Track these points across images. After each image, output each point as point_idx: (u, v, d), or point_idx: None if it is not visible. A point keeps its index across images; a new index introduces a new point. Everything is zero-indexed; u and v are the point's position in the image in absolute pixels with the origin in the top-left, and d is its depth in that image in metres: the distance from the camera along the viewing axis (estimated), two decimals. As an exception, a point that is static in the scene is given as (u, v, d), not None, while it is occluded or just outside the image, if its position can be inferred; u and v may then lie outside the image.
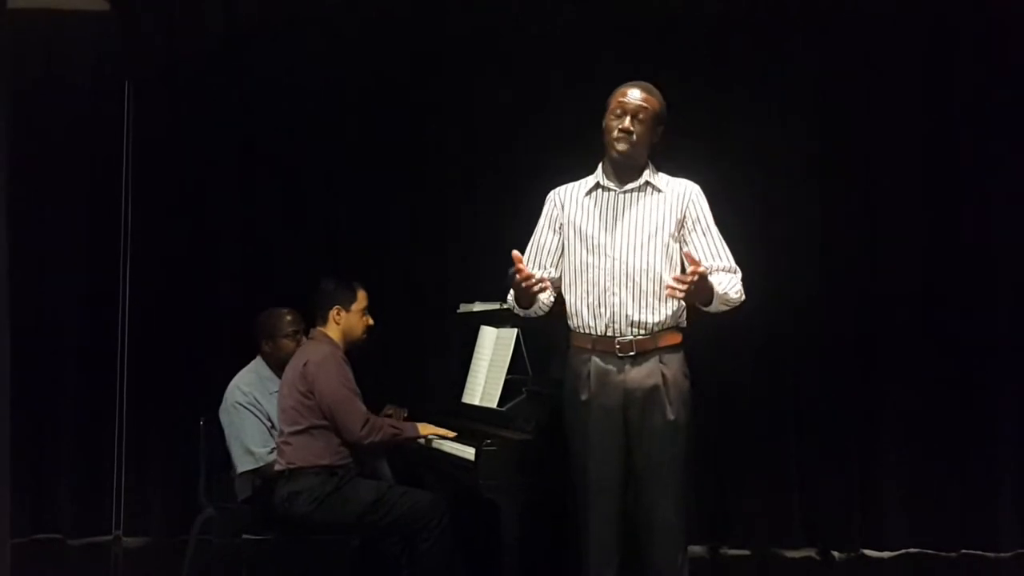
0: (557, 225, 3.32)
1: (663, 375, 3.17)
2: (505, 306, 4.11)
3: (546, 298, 3.31)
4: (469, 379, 4.23)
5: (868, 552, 4.98)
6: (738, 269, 3.28)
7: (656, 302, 3.18)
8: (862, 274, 5.08)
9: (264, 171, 5.24)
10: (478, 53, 5.22)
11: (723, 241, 3.28)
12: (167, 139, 5.16)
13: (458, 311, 4.53)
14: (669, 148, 3.43)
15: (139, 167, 4.63)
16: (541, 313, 3.36)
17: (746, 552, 5.04)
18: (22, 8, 4.75)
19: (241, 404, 4.24)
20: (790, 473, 5.05)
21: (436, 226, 5.24)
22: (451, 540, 3.80)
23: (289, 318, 4.40)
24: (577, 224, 3.26)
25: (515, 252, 3.12)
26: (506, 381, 3.94)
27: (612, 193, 3.26)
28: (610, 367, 3.18)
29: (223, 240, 5.23)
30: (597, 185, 3.29)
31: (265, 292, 4.94)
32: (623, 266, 3.18)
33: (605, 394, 3.17)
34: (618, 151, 3.21)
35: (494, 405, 3.95)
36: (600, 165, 3.33)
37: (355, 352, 4.13)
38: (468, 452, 3.63)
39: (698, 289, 3.03)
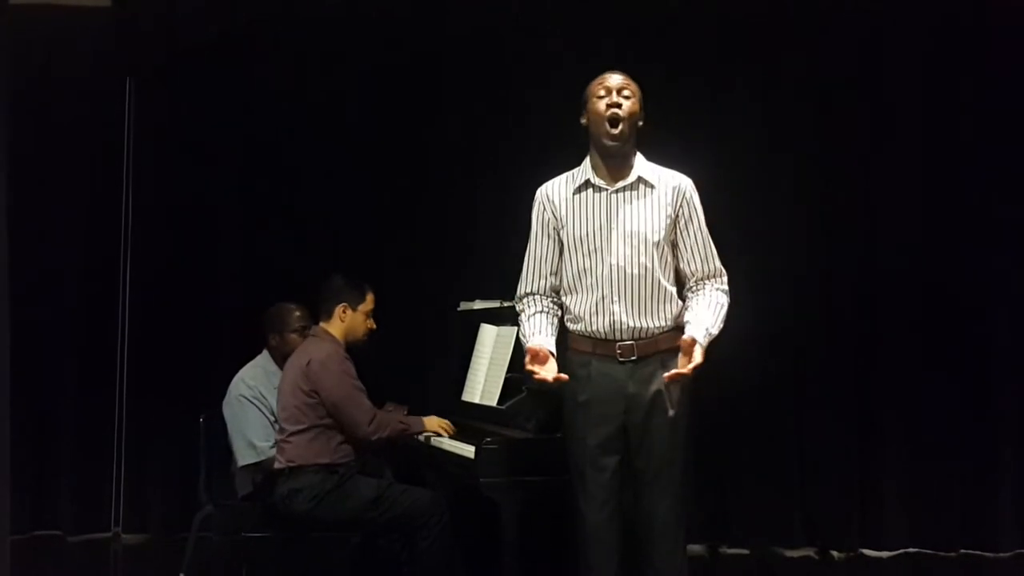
0: (551, 229, 3.26)
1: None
2: (506, 304, 4.14)
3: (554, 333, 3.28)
4: (469, 377, 4.23)
5: (867, 552, 4.98)
6: (723, 271, 3.24)
7: (655, 306, 3.16)
8: (862, 273, 5.08)
9: (265, 168, 5.24)
10: (479, 52, 5.22)
11: (711, 242, 3.24)
12: (168, 135, 5.16)
13: (458, 309, 4.52)
14: (666, 146, 3.43)
15: (140, 163, 4.63)
16: None
17: (745, 551, 5.04)
18: (23, 4, 4.75)
19: (245, 397, 4.25)
20: (789, 473, 5.05)
21: (437, 224, 5.23)
22: (451, 538, 3.80)
23: (298, 313, 4.41)
24: (571, 227, 3.21)
25: (532, 347, 3.09)
26: (506, 379, 3.94)
27: (604, 193, 3.20)
28: (611, 371, 3.15)
29: (223, 237, 5.24)
30: (587, 183, 3.22)
31: (265, 289, 4.94)
32: (620, 273, 3.14)
33: (605, 397, 3.15)
34: (612, 130, 3.14)
35: (494, 403, 3.95)
36: (587, 160, 3.26)
37: (355, 351, 4.13)
38: (468, 450, 3.63)
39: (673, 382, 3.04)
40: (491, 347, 4.13)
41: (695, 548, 4.91)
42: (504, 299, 4.16)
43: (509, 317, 4.00)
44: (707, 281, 3.22)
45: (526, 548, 3.50)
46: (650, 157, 3.31)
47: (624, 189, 3.20)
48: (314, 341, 4.07)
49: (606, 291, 3.15)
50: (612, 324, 3.14)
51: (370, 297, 4.13)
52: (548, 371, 3.08)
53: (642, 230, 3.16)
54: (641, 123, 3.23)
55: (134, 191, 4.62)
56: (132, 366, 4.58)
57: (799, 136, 5.10)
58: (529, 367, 3.08)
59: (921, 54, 5.08)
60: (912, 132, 5.07)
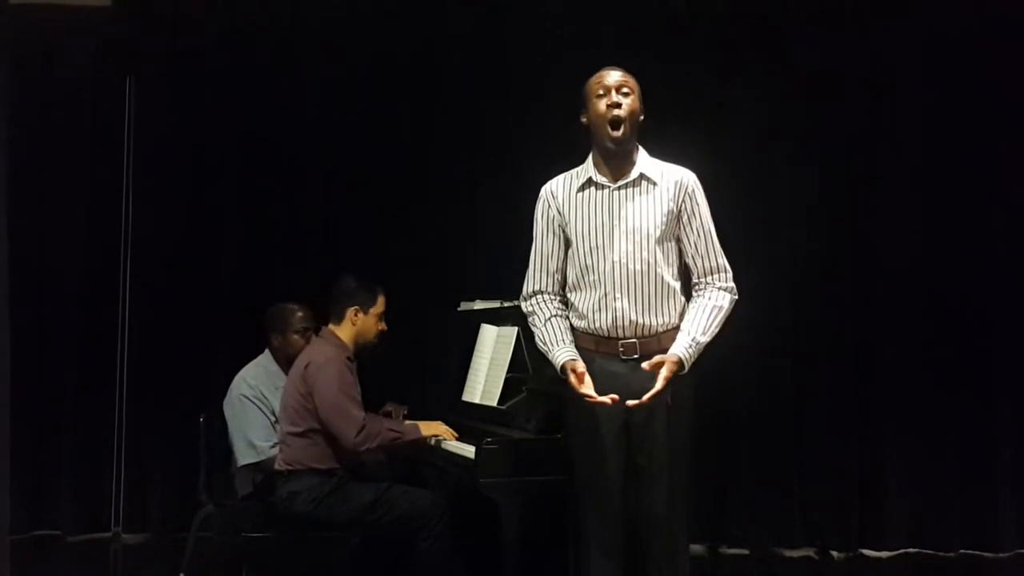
0: (555, 226, 3.25)
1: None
2: (506, 304, 4.13)
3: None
4: (469, 377, 4.23)
5: (867, 552, 4.99)
6: (727, 267, 3.21)
7: (658, 304, 3.14)
8: (862, 274, 5.09)
9: (265, 167, 5.24)
10: (481, 50, 5.22)
11: (715, 238, 3.21)
12: (169, 134, 5.16)
13: (458, 309, 4.52)
14: (669, 143, 3.43)
15: (140, 162, 4.63)
16: None
17: (745, 551, 5.04)
18: (24, 3, 4.75)
19: (246, 397, 4.23)
20: (789, 473, 5.06)
21: (437, 224, 5.23)
22: (451, 539, 3.79)
23: (300, 314, 4.38)
24: (574, 225, 3.20)
25: (579, 368, 3.08)
26: (506, 379, 3.93)
27: (606, 190, 3.19)
28: (614, 369, 3.14)
29: (224, 236, 5.23)
30: (590, 181, 3.21)
31: (265, 289, 4.95)
32: (623, 269, 3.13)
33: (608, 395, 3.12)
34: (614, 132, 3.12)
35: (494, 403, 3.95)
36: (590, 158, 3.24)
37: (360, 352, 4.09)
38: (468, 450, 3.62)
39: (674, 376, 3.01)
40: (491, 347, 4.12)
41: (695, 548, 4.90)
42: (504, 299, 4.16)
43: (509, 317, 4.01)
44: (710, 278, 3.20)
45: (526, 548, 3.49)
46: (651, 151, 3.29)
47: (626, 186, 3.19)
48: (319, 343, 4.05)
49: (609, 288, 3.14)
50: (615, 321, 3.14)
51: (381, 299, 4.07)
52: (590, 388, 3.07)
53: (644, 226, 3.15)
54: (642, 117, 3.21)
55: (134, 190, 4.62)
56: (132, 366, 4.59)
57: (801, 134, 5.11)
58: (586, 392, 3.04)
59: (923, 51, 5.08)
60: (914, 132, 5.07)
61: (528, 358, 3.83)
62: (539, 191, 3.34)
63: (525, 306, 3.32)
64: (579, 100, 3.24)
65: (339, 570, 4.24)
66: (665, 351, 3.11)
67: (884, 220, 5.09)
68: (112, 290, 4.64)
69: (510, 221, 4.84)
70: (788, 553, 5.02)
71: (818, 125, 5.12)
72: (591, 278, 3.17)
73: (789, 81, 5.12)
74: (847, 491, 5.02)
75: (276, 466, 3.95)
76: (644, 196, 3.18)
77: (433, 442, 3.94)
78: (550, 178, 3.36)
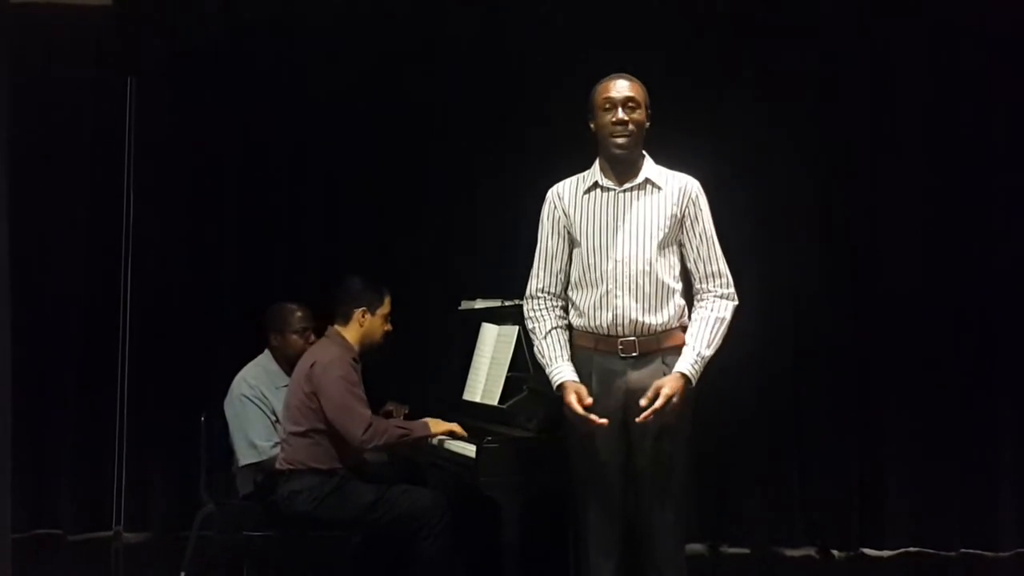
0: (561, 227, 3.28)
1: (665, 376, 3.13)
2: (507, 303, 4.13)
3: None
4: (470, 376, 4.23)
5: (868, 551, 4.99)
6: (727, 274, 3.23)
7: (658, 304, 3.16)
8: (862, 274, 5.09)
9: (267, 167, 5.24)
10: (484, 51, 5.22)
11: (717, 245, 3.24)
12: (169, 134, 5.16)
13: (459, 308, 4.52)
14: (669, 148, 3.43)
15: (141, 162, 4.63)
16: None
17: (746, 550, 5.04)
18: (25, 3, 4.76)
19: (247, 397, 4.22)
20: (790, 472, 5.06)
21: (438, 223, 5.24)
22: (451, 538, 3.78)
23: (299, 314, 4.37)
24: (579, 225, 3.23)
25: (579, 390, 3.12)
26: (507, 378, 3.93)
27: (612, 193, 3.22)
28: (612, 367, 3.16)
29: (225, 236, 5.23)
30: (596, 184, 3.25)
31: (266, 289, 4.95)
32: (624, 268, 3.15)
33: (607, 394, 3.15)
34: (618, 146, 3.17)
35: (495, 403, 3.94)
36: (596, 163, 3.28)
37: (366, 353, 4.08)
38: (469, 450, 3.62)
39: (676, 399, 3.04)
40: (492, 346, 4.12)
41: (696, 547, 4.92)
42: (505, 298, 4.16)
43: (510, 316, 4.00)
44: (710, 283, 3.22)
45: (527, 547, 3.49)
46: (655, 155, 3.31)
47: (632, 189, 3.22)
48: (325, 343, 4.04)
49: (610, 286, 3.16)
50: (615, 319, 3.15)
51: (388, 300, 4.06)
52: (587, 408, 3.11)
53: (647, 228, 3.18)
54: (648, 124, 3.25)
55: (135, 190, 4.63)
56: (133, 365, 4.60)
57: (802, 138, 5.11)
58: (586, 417, 3.08)
59: (925, 53, 5.08)
60: (915, 134, 5.07)
61: (529, 357, 3.83)
62: (540, 190, 3.37)
63: (527, 308, 3.33)
64: (586, 105, 3.27)
65: (340, 569, 4.24)
66: (664, 350, 3.15)
67: (884, 221, 5.09)
68: (113, 289, 4.64)
69: (511, 220, 4.88)
70: (789, 552, 5.02)
71: (819, 128, 5.12)
72: (593, 277, 3.19)
73: (791, 84, 5.12)
74: (848, 490, 5.02)
75: (277, 465, 3.95)
76: (649, 199, 3.21)
77: (436, 441, 3.94)
78: (551, 177, 3.39)
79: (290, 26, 5.22)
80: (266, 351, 4.41)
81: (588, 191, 3.26)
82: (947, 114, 5.05)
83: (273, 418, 4.20)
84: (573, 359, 3.23)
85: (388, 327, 4.10)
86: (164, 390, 5.08)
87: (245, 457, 4.17)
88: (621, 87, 3.20)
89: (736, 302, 3.22)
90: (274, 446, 4.10)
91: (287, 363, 4.27)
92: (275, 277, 5.15)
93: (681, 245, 3.23)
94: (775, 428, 5.04)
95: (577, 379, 3.16)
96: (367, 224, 5.20)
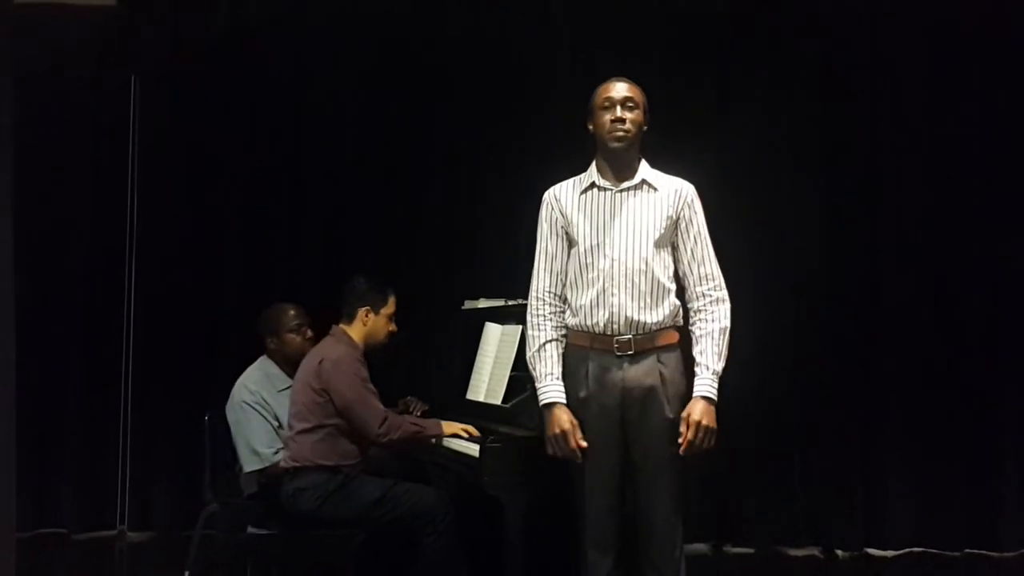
0: (559, 228, 3.31)
1: (661, 374, 3.18)
2: (510, 303, 4.14)
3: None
4: (474, 376, 4.23)
5: (872, 551, 4.99)
6: (720, 277, 3.27)
7: (653, 302, 3.20)
8: (866, 274, 5.08)
9: (269, 166, 5.25)
10: (485, 51, 5.22)
11: (711, 248, 3.29)
12: (173, 134, 5.17)
13: (463, 308, 4.52)
14: (667, 148, 3.44)
15: (145, 162, 4.63)
16: None
17: (750, 550, 5.04)
18: (28, 3, 4.76)
19: (248, 403, 4.20)
20: (794, 472, 5.05)
21: (441, 223, 5.24)
22: (455, 537, 3.79)
23: (292, 312, 4.36)
24: (576, 225, 3.27)
25: (574, 418, 3.19)
26: (510, 378, 3.93)
27: (608, 192, 3.27)
28: (608, 366, 3.19)
29: (229, 235, 5.24)
30: (593, 184, 3.29)
31: (270, 287, 4.96)
32: (621, 267, 3.19)
33: (603, 392, 3.19)
34: (616, 143, 3.21)
35: (498, 402, 3.95)
36: (593, 164, 3.32)
37: (370, 352, 4.09)
38: (472, 449, 3.63)
39: (706, 421, 3.13)
40: (496, 346, 4.13)
41: (699, 547, 4.92)
42: (508, 298, 4.17)
43: (514, 315, 4.01)
44: (704, 286, 3.25)
45: (530, 546, 3.49)
46: (655, 156, 3.34)
47: (628, 189, 3.27)
48: (331, 341, 4.05)
49: (607, 284, 3.20)
50: (611, 317, 3.19)
51: (392, 300, 4.09)
52: (578, 434, 3.19)
53: (643, 227, 3.22)
54: (646, 127, 3.29)
55: (139, 189, 4.63)
56: (137, 364, 4.59)
57: (802, 139, 5.11)
58: (573, 452, 3.17)
59: (926, 54, 5.07)
60: (917, 132, 5.07)
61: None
62: (544, 190, 3.40)
63: (529, 310, 3.35)
64: (586, 107, 3.31)
65: (343, 568, 4.24)
66: (659, 348, 3.20)
67: (886, 221, 5.08)
68: (117, 289, 4.64)
69: (514, 220, 4.87)
70: (793, 552, 5.02)
71: (820, 127, 5.12)
72: (589, 275, 3.23)
73: (792, 81, 5.12)
74: (852, 490, 5.02)
75: (282, 463, 3.96)
76: (645, 199, 3.26)
77: (440, 440, 3.95)
78: (554, 176, 3.42)
79: (293, 25, 5.22)
80: (264, 355, 4.39)
81: (585, 191, 3.30)
82: (949, 113, 5.05)
83: (275, 423, 4.19)
84: (569, 359, 3.27)
85: (392, 327, 4.12)
86: (168, 389, 5.09)
87: (248, 464, 4.16)
88: (620, 88, 3.26)
89: (729, 303, 3.26)
90: (276, 452, 4.09)
91: (286, 364, 4.27)
92: (279, 275, 5.15)
93: (675, 247, 3.28)
94: (778, 428, 5.04)
95: (565, 400, 3.21)
96: (371, 223, 5.20)
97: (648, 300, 3.19)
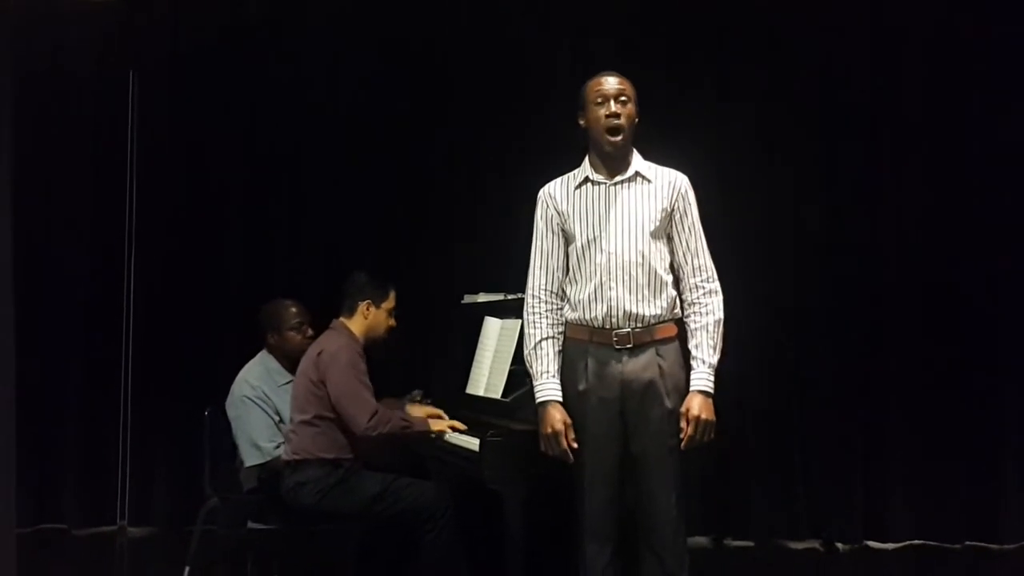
0: (555, 225, 3.32)
1: (659, 367, 3.19)
2: (509, 297, 4.13)
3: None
4: (473, 370, 4.23)
5: (872, 543, 4.99)
6: (712, 269, 3.27)
7: (651, 295, 3.21)
8: (866, 268, 5.08)
9: (269, 162, 5.25)
10: (483, 47, 5.22)
11: (703, 240, 3.29)
12: (172, 130, 5.16)
13: (462, 302, 4.52)
14: (664, 142, 3.44)
15: (144, 158, 4.62)
16: None
17: (750, 543, 5.05)
18: (27, -1, 4.75)
19: (249, 398, 4.21)
20: (794, 464, 5.05)
21: (441, 217, 5.24)
22: (455, 531, 3.80)
23: (294, 309, 4.36)
24: (572, 220, 3.27)
25: (567, 419, 3.21)
26: (510, 372, 3.93)
27: (602, 186, 3.27)
28: (607, 359, 3.20)
29: (228, 231, 5.24)
30: (586, 179, 3.29)
31: (270, 282, 4.96)
32: (618, 260, 3.20)
33: (602, 385, 3.19)
34: (613, 134, 3.21)
35: (498, 396, 3.95)
36: (587, 159, 3.33)
37: (370, 346, 4.09)
38: (472, 443, 3.63)
39: (704, 415, 3.14)
40: (495, 340, 4.13)
41: (700, 540, 4.93)
42: (508, 292, 4.17)
43: (513, 310, 4.00)
44: (698, 278, 3.26)
45: (530, 540, 3.50)
46: (649, 148, 3.34)
47: (622, 182, 3.27)
48: (331, 334, 4.05)
49: (604, 278, 3.20)
50: (609, 310, 3.19)
51: (393, 295, 4.11)
52: (570, 432, 3.21)
53: (638, 219, 3.22)
54: (637, 120, 3.29)
55: (138, 185, 4.62)
56: (137, 359, 4.58)
57: (800, 136, 5.11)
58: (565, 450, 3.18)
59: (925, 53, 5.06)
60: (915, 132, 5.06)
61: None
62: (541, 185, 3.40)
63: (526, 308, 3.36)
64: (577, 102, 3.31)
65: (344, 563, 4.24)
66: (658, 341, 3.21)
67: (887, 215, 5.08)
68: (117, 284, 4.63)
69: (514, 215, 4.86)
70: (793, 545, 5.03)
71: (819, 125, 5.11)
72: (587, 269, 3.23)
73: (791, 73, 5.12)
74: (852, 483, 5.02)
75: (283, 456, 3.96)
76: (639, 191, 3.27)
77: (439, 435, 3.95)
78: (552, 171, 3.42)
79: (292, 22, 5.22)
80: (264, 350, 4.39)
81: (579, 186, 3.31)
82: (951, 111, 5.03)
83: (276, 418, 4.19)
84: (569, 353, 3.28)
85: (392, 322, 4.13)
86: (168, 384, 5.09)
87: (249, 458, 4.17)
88: (612, 82, 3.26)
89: (721, 296, 3.27)
90: (277, 447, 4.10)
91: (287, 360, 4.28)
92: (279, 271, 5.16)
93: (670, 239, 3.28)
94: (779, 420, 5.04)
95: (560, 398, 3.23)
96: (371, 217, 5.20)
97: (646, 293, 3.20)
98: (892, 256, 5.05)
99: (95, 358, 5.08)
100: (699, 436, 3.15)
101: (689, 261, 3.27)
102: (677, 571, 3.19)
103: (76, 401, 5.19)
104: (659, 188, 3.26)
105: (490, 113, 5.19)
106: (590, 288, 3.21)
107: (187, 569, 4.22)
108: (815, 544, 5.02)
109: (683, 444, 3.15)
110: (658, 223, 3.22)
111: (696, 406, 3.14)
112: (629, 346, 3.18)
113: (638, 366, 3.18)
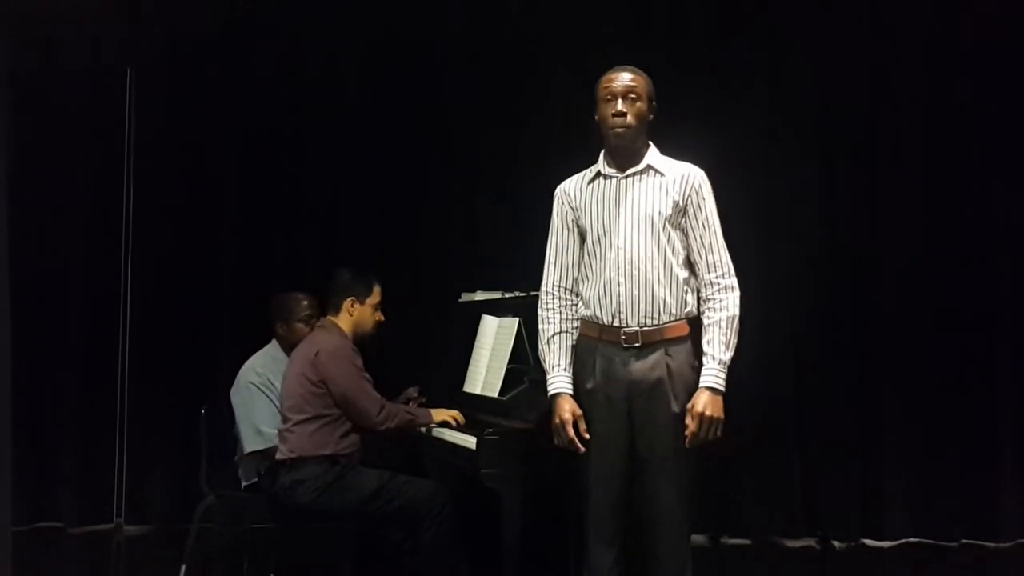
0: (570, 222, 3.31)
1: (668, 367, 3.15)
2: (507, 295, 4.13)
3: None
4: (470, 368, 4.23)
5: (868, 542, 4.99)
6: (728, 265, 3.22)
7: (661, 291, 3.17)
8: (864, 267, 5.08)
9: (267, 157, 5.24)
10: (484, 44, 5.21)
11: (719, 235, 3.24)
12: (169, 124, 5.15)
13: (459, 300, 4.52)
14: (673, 138, 3.43)
15: (141, 152, 4.61)
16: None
17: (747, 541, 5.05)
18: (23, -6, 4.73)
19: (255, 385, 4.25)
20: (791, 462, 5.06)
21: (439, 215, 5.23)
22: (452, 529, 3.80)
23: (305, 303, 4.40)
24: (585, 215, 3.26)
25: (576, 411, 3.20)
26: (507, 370, 3.94)
27: (614, 180, 3.25)
28: (615, 358, 3.17)
29: (224, 227, 5.23)
30: (599, 174, 3.28)
31: (267, 280, 4.94)
32: (628, 255, 3.17)
33: (610, 384, 3.17)
34: (617, 136, 3.20)
35: (495, 394, 3.95)
36: (601, 154, 3.32)
37: (360, 343, 4.11)
38: (470, 441, 3.63)
39: (710, 412, 3.10)
40: (492, 338, 4.13)
41: (696, 538, 4.89)
42: (505, 291, 4.16)
43: (510, 308, 4.01)
44: (714, 274, 3.21)
45: (527, 539, 3.50)
46: (661, 148, 3.32)
47: (634, 175, 3.25)
48: (322, 332, 4.08)
49: (613, 273, 3.18)
50: (618, 307, 3.17)
51: (377, 290, 4.14)
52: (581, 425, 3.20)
53: (648, 213, 3.19)
54: (652, 116, 3.26)
55: (136, 180, 4.61)
56: (133, 357, 4.58)
57: (806, 135, 5.11)
58: (573, 439, 3.17)
59: (928, 51, 5.06)
60: (919, 131, 5.05)
61: (529, 349, 3.83)
62: (541, 183, 3.46)
63: (540, 304, 3.35)
64: (585, 102, 3.32)
65: (341, 561, 4.24)
66: (668, 340, 3.17)
67: (886, 216, 5.07)
68: (113, 280, 4.62)
69: (512, 213, 4.88)
70: (790, 543, 5.02)
71: (820, 126, 5.11)
72: (597, 265, 3.22)
73: (796, 77, 5.11)
74: (849, 481, 5.02)
75: (278, 456, 3.96)
76: (650, 184, 3.23)
77: (436, 432, 3.95)
78: (552, 169, 3.45)
79: (290, 17, 5.20)
80: (273, 340, 4.42)
81: (592, 181, 3.30)
82: (951, 111, 5.03)
83: (280, 406, 4.20)
84: (579, 350, 3.26)
85: (379, 316, 4.16)
86: (165, 382, 5.08)
87: (251, 444, 4.18)
88: (622, 79, 3.22)
89: (738, 292, 3.22)
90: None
91: (292, 351, 4.28)
92: (276, 268, 5.14)
93: (684, 234, 3.23)
94: (776, 418, 5.04)
95: (572, 391, 3.21)
96: (368, 214, 5.19)
97: (656, 289, 3.16)
98: (891, 256, 5.05)
99: (91, 356, 5.07)
100: (704, 434, 3.10)
101: (704, 256, 3.22)
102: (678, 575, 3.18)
103: (72, 399, 5.17)
104: (671, 181, 3.22)
105: (489, 111, 5.18)
106: (600, 284, 3.20)
107: (183, 567, 4.20)
108: (812, 542, 5.02)
109: (687, 442, 3.11)
110: (669, 216, 3.18)
111: (702, 403, 3.10)
112: (637, 345, 3.15)
113: (646, 366, 3.15)
